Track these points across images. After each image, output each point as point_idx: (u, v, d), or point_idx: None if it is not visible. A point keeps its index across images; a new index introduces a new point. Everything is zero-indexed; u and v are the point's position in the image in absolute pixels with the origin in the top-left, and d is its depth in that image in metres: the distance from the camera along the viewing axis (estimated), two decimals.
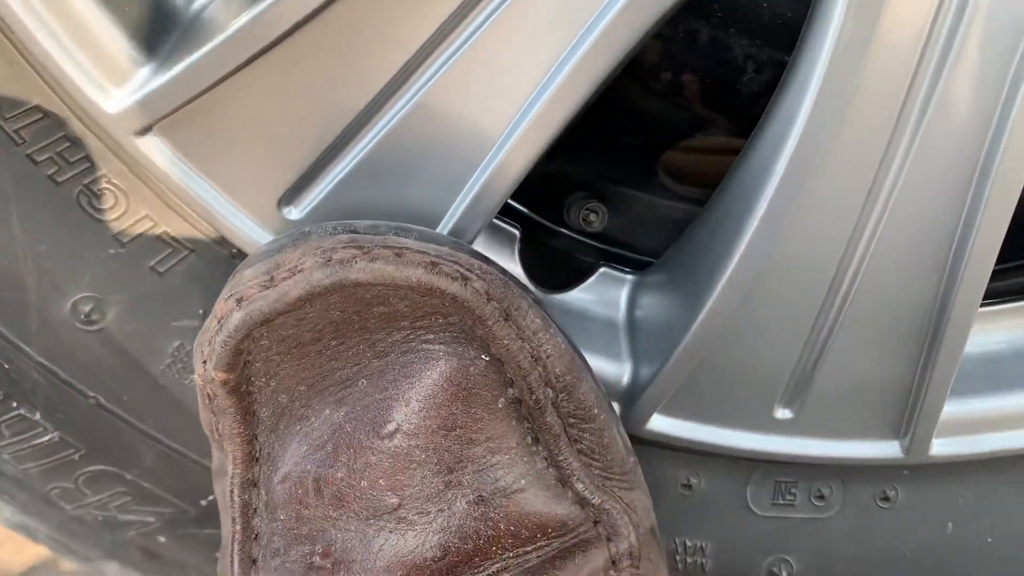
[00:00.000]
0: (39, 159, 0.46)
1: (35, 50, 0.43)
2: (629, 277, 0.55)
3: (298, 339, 0.42)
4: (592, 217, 0.56)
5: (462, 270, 0.41)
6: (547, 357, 0.44)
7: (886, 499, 0.58)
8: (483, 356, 0.43)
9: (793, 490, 0.58)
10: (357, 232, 0.43)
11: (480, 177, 0.45)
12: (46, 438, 0.53)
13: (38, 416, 0.52)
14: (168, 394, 0.52)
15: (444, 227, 0.47)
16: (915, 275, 0.47)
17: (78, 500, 0.56)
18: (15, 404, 0.52)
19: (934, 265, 0.47)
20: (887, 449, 0.55)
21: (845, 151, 0.43)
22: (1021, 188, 0.44)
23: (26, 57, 0.44)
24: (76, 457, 0.54)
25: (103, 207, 0.48)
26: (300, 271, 0.40)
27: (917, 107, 0.42)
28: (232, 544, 0.47)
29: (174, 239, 0.49)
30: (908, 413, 0.53)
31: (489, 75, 0.42)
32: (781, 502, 0.58)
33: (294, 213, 0.47)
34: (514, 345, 0.43)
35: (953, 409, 0.53)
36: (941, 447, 0.54)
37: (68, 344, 0.50)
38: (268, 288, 0.40)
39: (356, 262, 0.40)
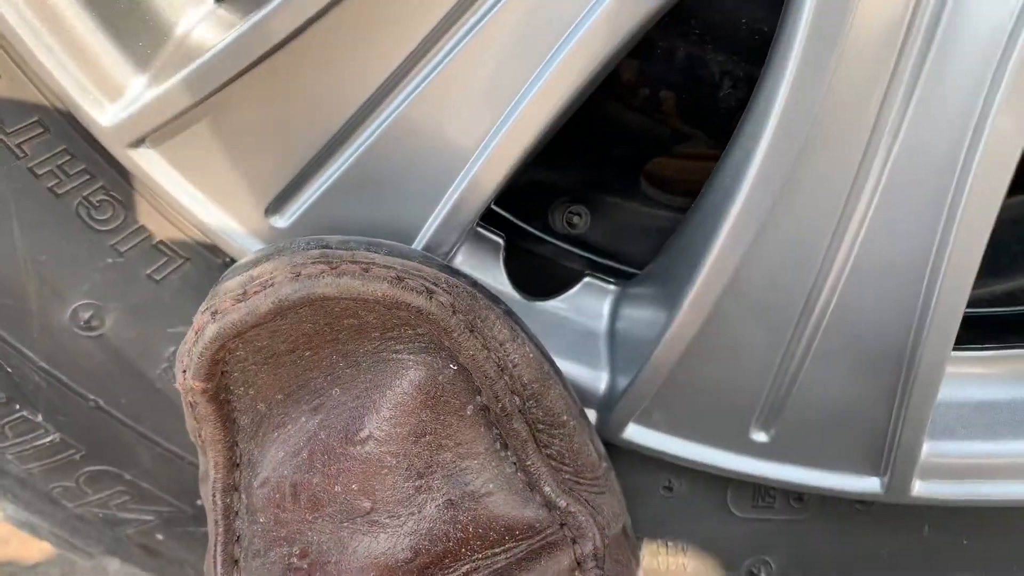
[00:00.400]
0: (40, 172, 0.48)
1: (34, 65, 0.45)
2: (612, 287, 0.57)
3: (273, 350, 0.44)
4: (576, 220, 0.58)
5: (427, 284, 0.43)
6: (514, 366, 0.46)
7: (863, 503, 0.59)
8: (451, 365, 0.45)
9: (772, 493, 0.59)
10: (328, 247, 0.44)
11: (455, 191, 0.46)
12: (48, 439, 0.55)
13: (40, 418, 0.54)
14: (164, 397, 0.54)
15: (421, 240, 0.48)
16: (887, 309, 0.48)
17: (79, 498, 0.58)
18: (18, 407, 0.54)
19: (906, 300, 0.47)
20: (867, 485, 0.55)
21: (811, 175, 0.44)
22: (991, 225, 0.45)
23: (26, 73, 0.46)
24: (77, 457, 0.56)
25: (102, 218, 0.50)
26: (270, 285, 0.42)
27: (884, 140, 0.43)
28: (215, 545, 0.48)
29: (170, 248, 0.51)
30: (887, 451, 0.53)
31: (465, 92, 0.44)
32: (761, 504, 0.60)
33: (280, 222, 0.49)
34: (480, 355, 0.45)
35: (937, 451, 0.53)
36: (924, 489, 0.54)
37: (69, 349, 0.52)
38: (241, 302, 0.42)
39: (324, 277, 0.42)
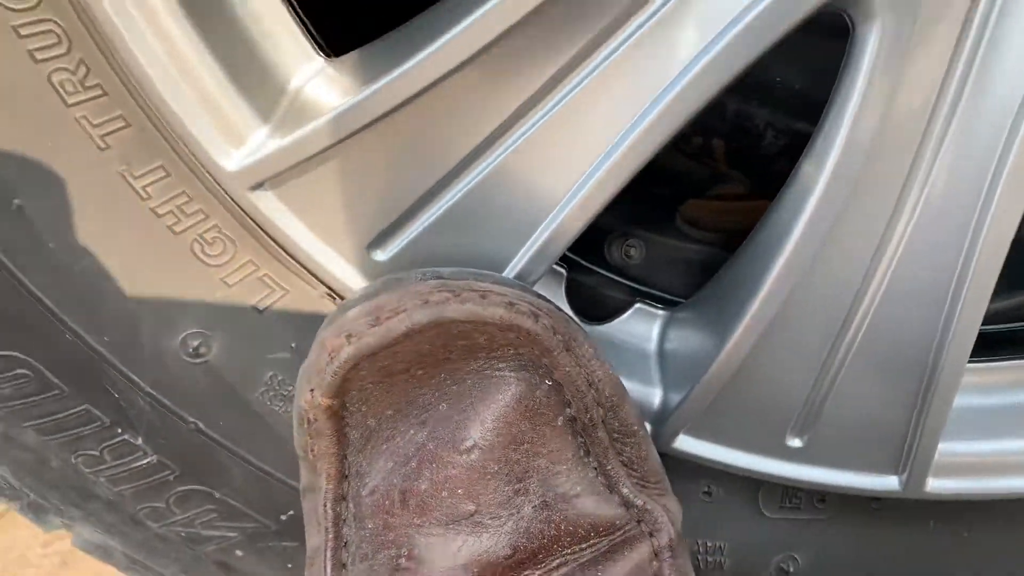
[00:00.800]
0: (161, 212, 0.53)
1: (167, 115, 0.50)
2: (661, 313, 0.64)
3: (390, 370, 0.50)
4: (633, 252, 0.65)
5: (533, 308, 0.49)
6: (599, 381, 0.52)
7: (878, 501, 0.66)
8: (547, 381, 0.51)
9: (798, 495, 0.66)
10: (443, 278, 0.50)
11: (546, 230, 0.53)
12: (145, 461, 0.59)
13: (140, 441, 0.58)
14: (260, 419, 0.58)
15: (511, 272, 0.54)
16: (913, 327, 0.55)
17: (166, 518, 0.62)
18: (120, 430, 0.57)
19: (930, 319, 0.55)
20: (886, 483, 0.62)
21: (855, 217, 0.52)
22: (1003, 256, 0.53)
23: (154, 122, 0.51)
24: (171, 478, 0.60)
25: (213, 253, 0.54)
26: (403, 311, 0.47)
27: (916, 185, 0.52)
28: (324, 551, 0.53)
29: (273, 280, 0.56)
30: (905, 452, 0.61)
31: (563, 142, 0.51)
32: (788, 506, 0.67)
33: (381, 256, 0.54)
34: (574, 371, 0.51)
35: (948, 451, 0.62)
36: (936, 486, 0.62)
37: (175, 375, 0.56)
38: (375, 326, 0.47)
39: (449, 303, 0.48)
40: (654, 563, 0.54)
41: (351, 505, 0.53)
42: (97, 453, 0.58)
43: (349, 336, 0.48)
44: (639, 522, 0.54)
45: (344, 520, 0.53)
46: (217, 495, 0.60)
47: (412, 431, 0.52)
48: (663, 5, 0.47)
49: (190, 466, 0.59)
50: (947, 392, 0.57)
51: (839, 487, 0.63)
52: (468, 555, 0.52)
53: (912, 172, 0.51)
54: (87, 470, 0.59)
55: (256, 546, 0.63)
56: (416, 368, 0.50)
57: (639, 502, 0.54)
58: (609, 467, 0.54)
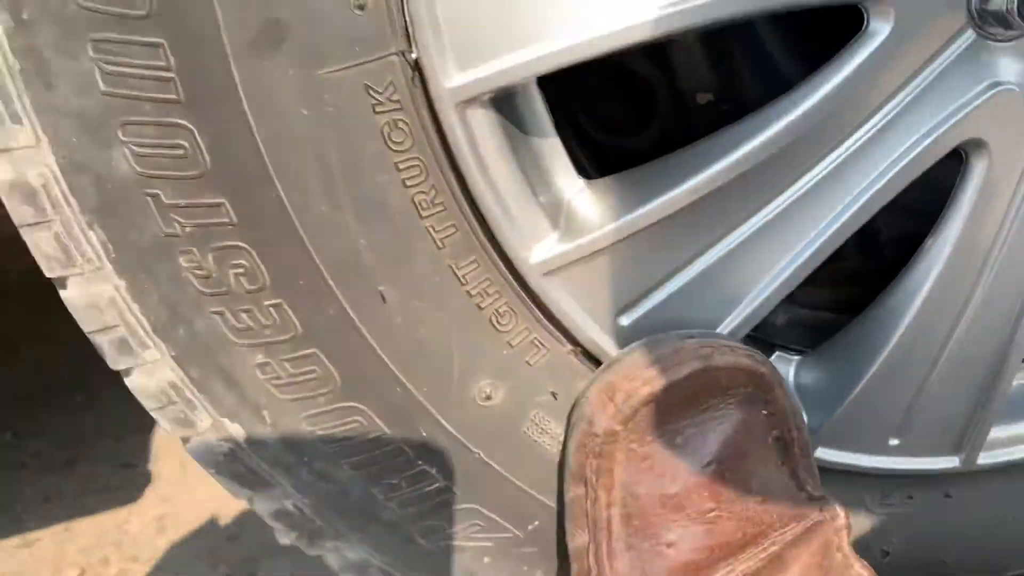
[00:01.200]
0: (472, 293, 0.71)
1: (491, 225, 0.68)
2: (795, 358, 0.85)
3: (660, 404, 0.69)
4: (779, 319, 0.87)
5: (761, 358, 0.70)
6: (796, 409, 0.73)
7: (949, 495, 0.89)
8: (763, 411, 0.71)
9: (892, 493, 0.88)
10: (694, 337, 0.70)
11: (752, 303, 0.74)
12: (434, 486, 0.75)
13: (434, 470, 0.74)
14: (524, 447, 0.76)
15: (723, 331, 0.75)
16: (988, 339, 0.79)
17: (438, 534, 0.78)
18: (420, 462, 0.74)
19: (1001, 331, 0.79)
20: (949, 462, 0.86)
21: (958, 279, 0.76)
22: None
23: (473, 229, 0.69)
24: (451, 499, 0.76)
25: (505, 323, 0.73)
26: (683, 361, 0.67)
27: (993, 256, 0.76)
28: (592, 546, 0.71)
29: (539, 342, 0.74)
30: (966, 435, 0.85)
31: (767, 244, 0.72)
32: (885, 502, 0.88)
33: (624, 321, 0.74)
34: (785, 403, 0.71)
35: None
36: (985, 459, 0.86)
37: (471, 415, 0.73)
38: (665, 371, 0.67)
39: (714, 356, 0.68)
40: (835, 538, 0.74)
41: (617, 509, 0.71)
42: (396, 482, 0.75)
43: (645, 379, 0.67)
44: (821, 510, 0.75)
45: (610, 521, 0.71)
46: (484, 511, 0.77)
47: (667, 451, 0.71)
48: (842, 154, 0.70)
49: (468, 488, 0.76)
50: (1007, 383, 0.81)
51: (919, 471, 0.85)
52: (711, 540, 0.71)
53: (991, 250, 0.76)
54: (382, 497, 0.75)
55: (503, 553, 0.80)
56: (676, 403, 0.69)
57: (819, 495, 0.75)
58: (799, 472, 0.74)
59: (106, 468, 1.85)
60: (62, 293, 0.68)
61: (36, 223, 0.64)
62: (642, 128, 0.85)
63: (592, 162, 0.85)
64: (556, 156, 0.72)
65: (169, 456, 1.84)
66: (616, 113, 0.83)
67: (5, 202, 0.64)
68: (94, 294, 0.66)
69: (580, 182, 0.73)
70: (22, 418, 2.03)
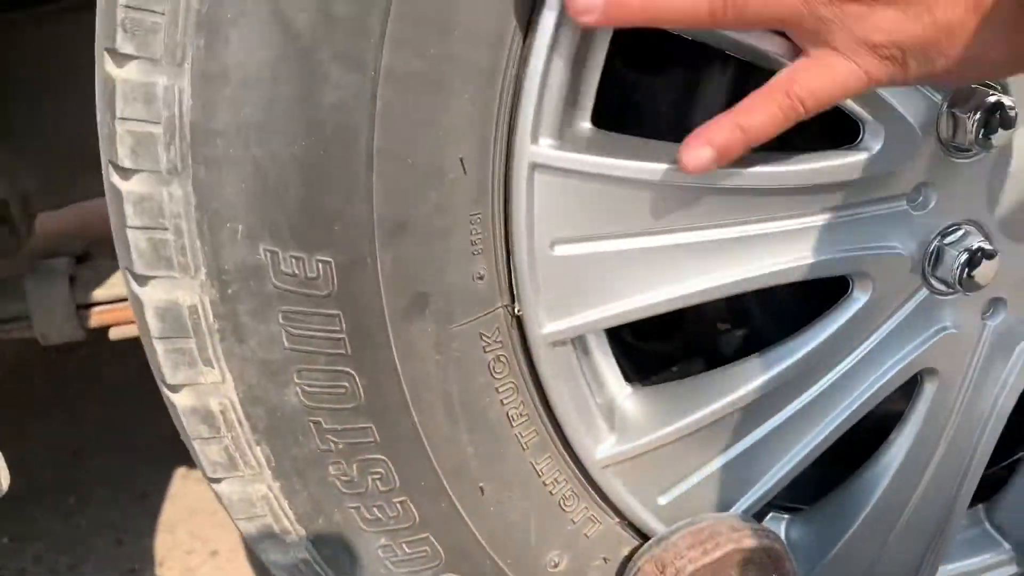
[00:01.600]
0: (547, 482, 0.89)
1: (566, 430, 0.87)
2: (786, 517, 1.06)
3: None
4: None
5: (776, 535, 0.89)
6: (796, 571, 0.92)
7: None
8: (773, 574, 0.91)
9: None
10: (724, 520, 0.89)
11: (761, 489, 0.93)
12: None
13: None
14: None
15: (737, 510, 0.95)
16: (939, 501, 1.00)
17: None
18: None
19: (948, 494, 1.01)
20: None
21: (914, 458, 0.97)
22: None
23: (548, 432, 0.87)
24: None
25: (569, 505, 0.91)
26: (719, 545, 0.86)
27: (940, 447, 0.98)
28: None
29: (594, 518, 0.93)
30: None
31: (772, 444, 0.92)
32: None
33: (662, 500, 0.93)
34: (792, 568, 0.91)
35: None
36: None
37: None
38: (706, 553, 0.85)
39: (745, 537, 0.87)
40: None
41: None
42: None
43: (690, 559, 0.85)
44: None
45: None
46: None
47: None
48: (832, 379, 0.91)
49: None
50: (951, 534, 1.02)
51: None
52: None
53: (941, 437, 0.98)
54: None
55: None
56: (712, 574, 0.88)
57: None
58: None
59: (112, 574, 1.93)
60: (215, 487, 0.83)
61: (208, 438, 0.80)
62: (670, 338, 1.05)
63: (630, 362, 1.05)
64: (608, 366, 0.91)
65: (174, 563, 1.93)
66: (651, 326, 1.03)
67: (183, 419, 0.80)
68: (250, 492, 0.82)
69: (628, 388, 0.92)
70: (16, 522, 2.08)
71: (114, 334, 1.34)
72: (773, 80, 0.68)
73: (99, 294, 1.33)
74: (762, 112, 0.68)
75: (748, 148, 0.70)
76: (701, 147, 0.69)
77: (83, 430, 2.32)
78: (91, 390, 2.40)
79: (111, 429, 2.28)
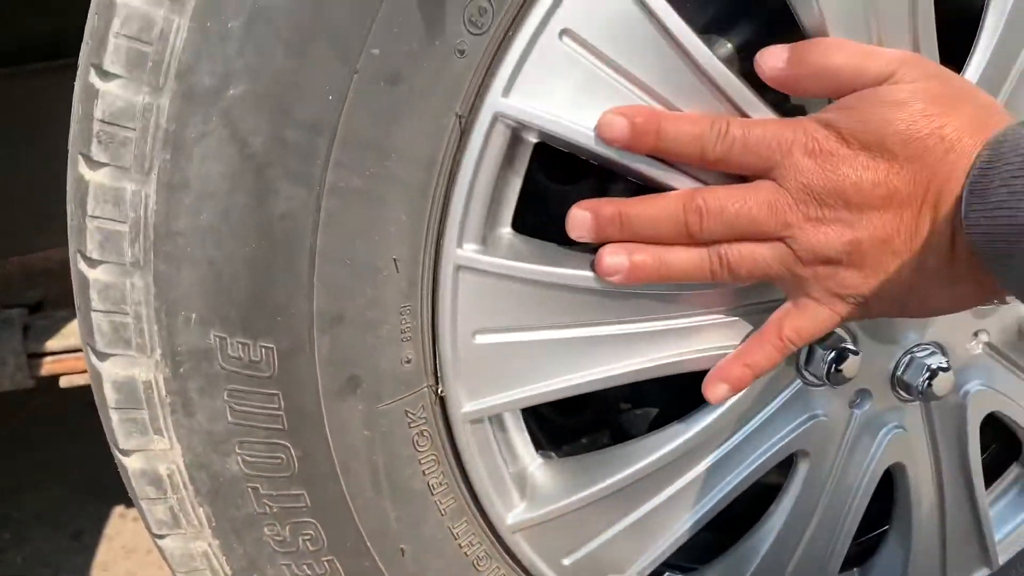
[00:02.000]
0: (463, 544, 0.98)
1: (481, 500, 0.97)
2: None
3: None
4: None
5: None
6: None
7: None
8: None
9: None
10: None
11: (655, 552, 1.04)
12: None
13: None
14: None
15: (633, 572, 1.05)
16: (817, 556, 1.13)
17: None
18: None
19: (824, 550, 1.13)
20: None
21: (792, 522, 1.09)
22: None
23: (467, 503, 0.97)
24: None
25: (482, 565, 1.00)
26: None
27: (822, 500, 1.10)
28: None
29: None
30: None
31: (669, 511, 1.03)
32: None
33: (566, 561, 1.03)
34: None
35: None
36: None
37: None
38: None
39: None
40: None
41: None
42: None
43: None
44: None
45: None
46: None
47: None
48: (717, 456, 1.03)
49: None
50: None
51: None
52: None
53: (816, 506, 1.10)
54: None
55: None
56: None
57: None
58: None
59: None
60: (159, 542, 0.91)
61: (155, 498, 0.88)
62: (581, 412, 1.16)
63: (544, 433, 1.15)
64: (521, 440, 1.01)
65: None
66: (564, 401, 1.13)
67: (133, 481, 0.88)
68: (191, 548, 0.90)
69: (539, 459, 1.03)
70: None
71: (64, 383, 1.41)
72: (765, 326, 0.87)
73: (52, 344, 1.39)
74: (760, 352, 0.87)
75: (755, 378, 0.90)
76: (719, 383, 0.90)
77: (19, 467, 2.34)
78: (28, 428, 2.42)
79: (47, 467, 2.31)
